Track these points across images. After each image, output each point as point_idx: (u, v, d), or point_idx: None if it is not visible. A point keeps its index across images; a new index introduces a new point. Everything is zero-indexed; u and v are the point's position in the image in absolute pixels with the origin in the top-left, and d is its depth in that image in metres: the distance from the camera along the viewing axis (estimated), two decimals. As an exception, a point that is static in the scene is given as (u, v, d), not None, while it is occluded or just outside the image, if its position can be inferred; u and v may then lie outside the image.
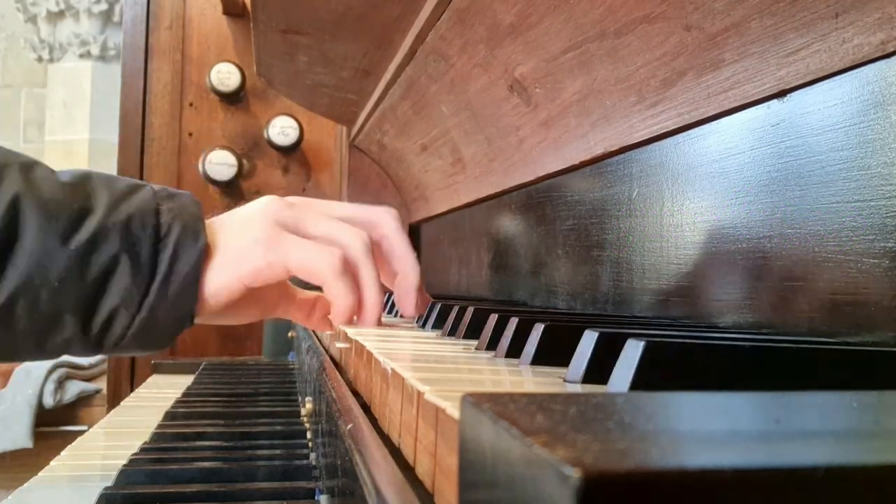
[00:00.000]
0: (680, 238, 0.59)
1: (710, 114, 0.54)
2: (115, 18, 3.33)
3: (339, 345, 0.62)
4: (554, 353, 0.39)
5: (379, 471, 0.32)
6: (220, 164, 1.98)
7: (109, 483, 0.60)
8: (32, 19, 3.41)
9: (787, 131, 0.47)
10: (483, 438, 0.18)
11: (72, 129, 3.32)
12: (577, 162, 0.75)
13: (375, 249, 0.64)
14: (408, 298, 0.65)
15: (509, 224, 1.00)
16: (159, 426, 0.80)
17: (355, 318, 0.61)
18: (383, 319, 0.64)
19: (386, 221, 0.65)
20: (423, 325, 0.68)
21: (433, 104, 1.09)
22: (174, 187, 1.90)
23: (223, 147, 2.01)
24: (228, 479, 0.62)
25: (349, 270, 0.59)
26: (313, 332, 1.02)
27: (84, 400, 2.25)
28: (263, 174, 2.06)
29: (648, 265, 0.63)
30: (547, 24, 0.70)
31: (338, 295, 0.58)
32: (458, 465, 0.20)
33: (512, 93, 0.84)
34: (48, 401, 2.12)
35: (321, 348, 0.81)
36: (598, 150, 0.71)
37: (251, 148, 2.05)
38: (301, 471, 0.64)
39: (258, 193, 2.05)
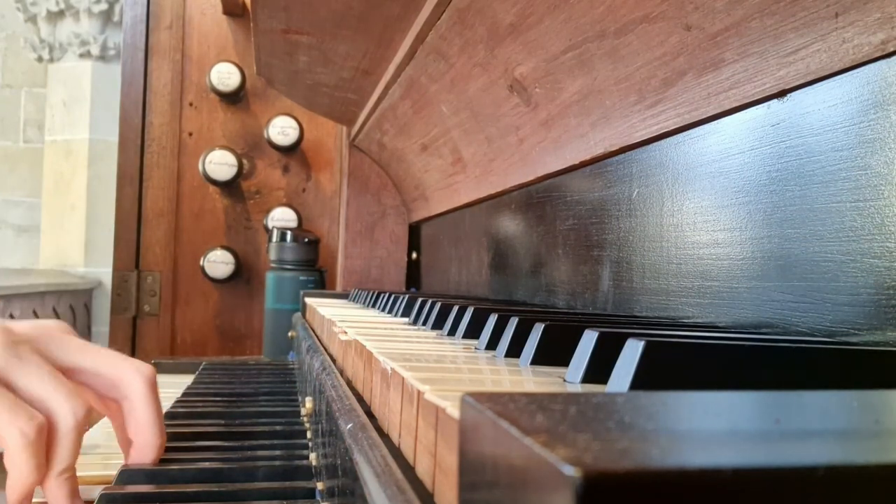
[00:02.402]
0: (680, 238, 0.59)
1: (710, 114, 0.53)
2: (115, 18, 3.32)
3: (343, 337, 0.61)
4: (554, 352, 0.39)
5: (379, 470, 0.32)
6: (220, 164, 1.98)
7: (109, 483, 0.60)
8: (32, 19, 3.41)
9: (787, 131, 0.47)
10: (483, 438, 0.18)
11: (72, 129, 3.32)
12: (577, 162, 0.75)
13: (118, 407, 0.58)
14: None
15: (509, 224, 1.00)
16: (159, 426, 0.80)
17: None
18: (373, 318, 0.62)
19: (134, 382, 0.58)
20: (424, 325, 0.68)
21: (433, 104, 1.09)
22: (174, 187, 1.90)
23: (223, 147, 2.01)
24: (228, 479, 0.62)
25: (42, 444, 0.50)
26: (313, 331, 1.02)
27: (84, 400, 2.24)
28: (263, 174, 2.06)
29: (648, 265, 0.63)
30: (547, 23, 0.70)
31: (16, 469, 0.49)
32: (458, 464, 0.20)
33: (512, 93, 0.84)
34: (48, 401, 2.12)
35: (321, 348, 0.81)
36: (598, 150, 0.70)
37: (251, 148, 2.05)
38: (301, 471, 0.64)
39: (258, 193, 2.05)
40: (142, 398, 0.58)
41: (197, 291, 2.02)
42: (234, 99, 2.04)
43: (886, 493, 0.14)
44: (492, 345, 0.47)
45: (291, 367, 1.31)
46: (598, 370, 0.33)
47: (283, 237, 1.74)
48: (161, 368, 1.39)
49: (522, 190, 0.94)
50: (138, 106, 2.00)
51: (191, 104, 2.04)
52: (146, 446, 0.60)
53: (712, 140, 0.55)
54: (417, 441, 0.30)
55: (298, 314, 1.40)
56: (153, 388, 0.60)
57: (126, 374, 0.58)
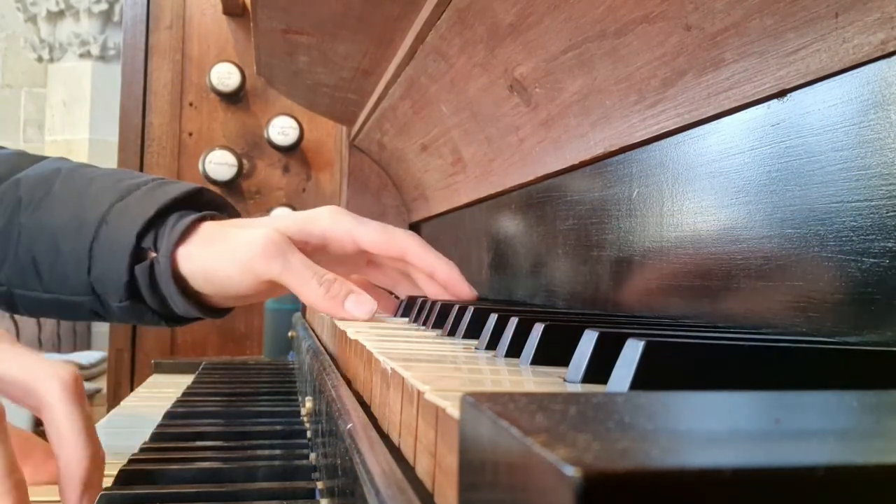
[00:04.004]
0: (680, 238, 0.59)
1: (710, 114, 0.54)
2: (115, 18, 3.33)
3: (351, 333, 0.58)
4: (554, 352, 0.39)
5: (379, 470, 0.32)
6: (220, 164, 1.98)
7: (109, 483, 0.60)
8: (32, 19, 3.41)
9: (787, 131, 0.47)
10: (483, 438, 0.18)
11: (72, 128, 3.32)
12: (577, 162, 0.75)
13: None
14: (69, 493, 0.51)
15: (509, 224, 1.00)
16: (159, 426, 0.80)
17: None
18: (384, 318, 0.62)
19: (50, 387, 0.52)
20: (424, 325, 0.68)
21: (433, 104, 1.09)
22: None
23: (223, 147, 2.01)
24: (228, 479, 0.62)
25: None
26: (312, 331, 1.02)
27: (84, 400, 2.24)
28: (263, 174, 2.06)
29: (648, 265, 0.63)
30: (547, 23, 0.70)
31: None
32: (458, 464, 0.20)
33: (512, 93, 0.84)
34: (48, 400, 2.12)
35: (321, 348, 0.81)
36: (599, 150, 0.70)
37: (251, 148, 2.05)
38: (301, 471, 0.64)
39: (258, 193, 2.05)
40: (60, 404, 0.51)
41: (197, 291, 2.02)
42: (234, 99, 2.04)
43: (886, 494, 0.14)
44: (492, 345, 0.47)
45: (291, 367, 1.31)
46: (598, 370, 0.33)
47: (283, 237, 1.74)
48: (161, 368, 1.39)
49: (522, 190, 0.94)
50: (138, 106, 2.00)
51: (191, 104, 2.04)
52: (72, 461, 0.52)
53: (712, 140, 0.55)
54: (417, 441, 0.30)
55: (298, 314, 1.39)
56: (74, 391, 0.52)
57: (40, 377, 0.52)
